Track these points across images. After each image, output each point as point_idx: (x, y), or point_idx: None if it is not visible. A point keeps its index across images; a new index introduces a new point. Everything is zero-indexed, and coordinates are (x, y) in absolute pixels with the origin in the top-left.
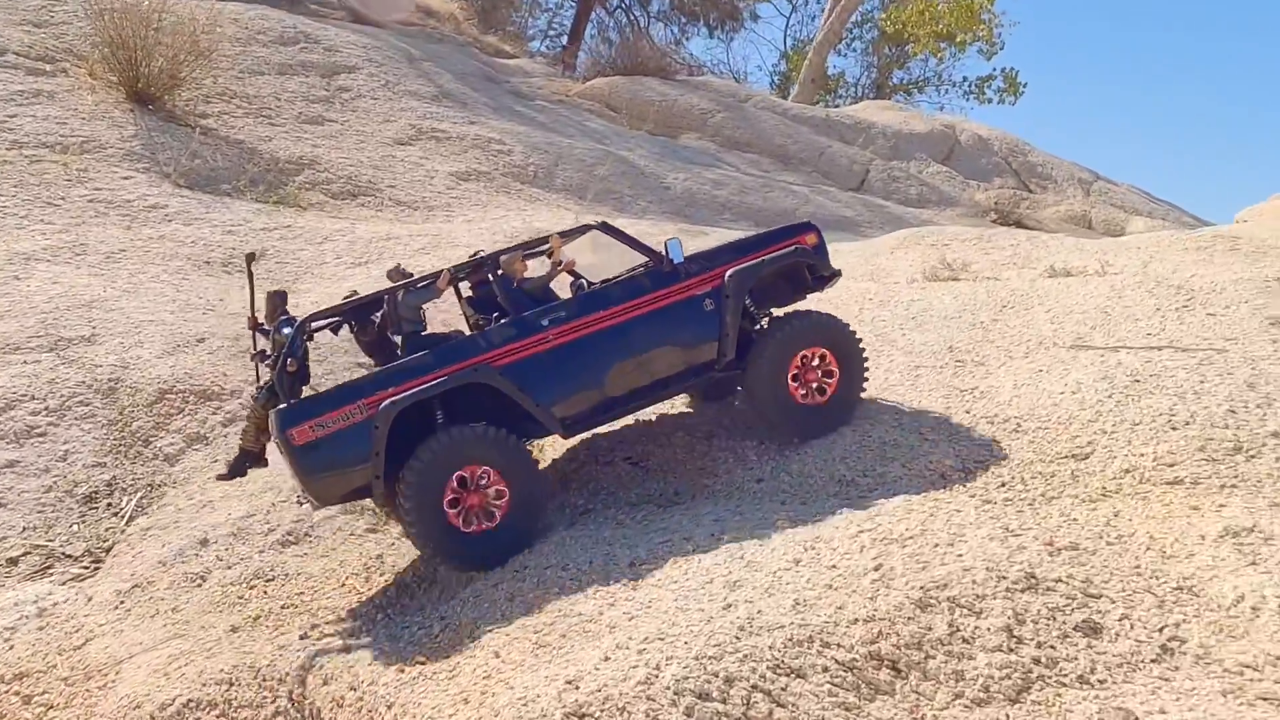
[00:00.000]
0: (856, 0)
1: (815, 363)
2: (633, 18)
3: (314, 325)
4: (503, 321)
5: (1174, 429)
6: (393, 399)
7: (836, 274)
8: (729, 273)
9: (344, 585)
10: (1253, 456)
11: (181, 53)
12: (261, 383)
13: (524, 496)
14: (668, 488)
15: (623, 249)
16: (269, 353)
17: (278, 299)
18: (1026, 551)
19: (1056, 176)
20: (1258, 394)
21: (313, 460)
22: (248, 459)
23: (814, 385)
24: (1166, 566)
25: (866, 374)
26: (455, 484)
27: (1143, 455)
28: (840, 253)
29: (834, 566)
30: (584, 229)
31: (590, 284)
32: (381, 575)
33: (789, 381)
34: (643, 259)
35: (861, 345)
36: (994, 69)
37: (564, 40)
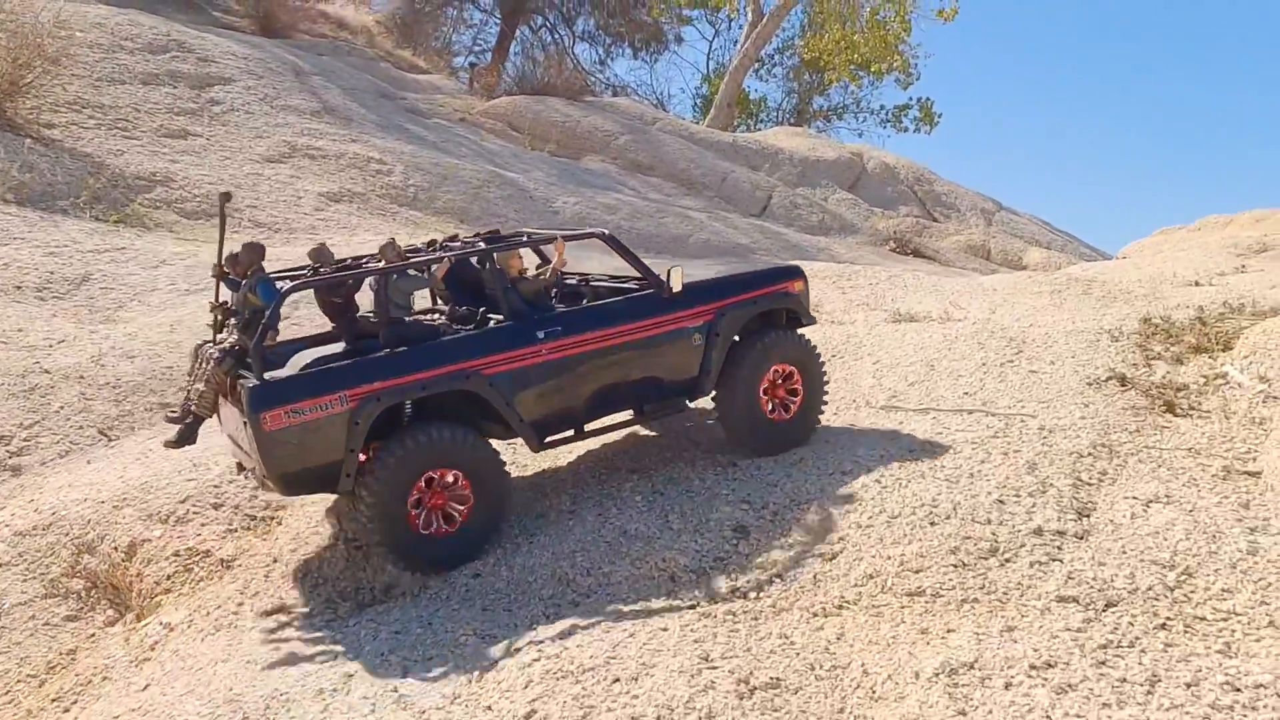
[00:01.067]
0: (772, 28)
1: (783, 380)
2: (557, 37)
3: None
4: (494, 326)
5: (932, 524)
6: (377, 395)
7: (812, 320)
8: (723, 311)
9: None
10: (1007, 561)
11: (24, 56)
12: (222, 342)
13: (489, 502)
14: (382, 579)
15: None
16: (237, 310)
17: (256, 252)
18: (713, 693)
19: (960, 206)
20: (1035, 478)
21: (283, 449)
22: (198, 425)
23: (780, 402)
24: (873, 713)
25: (825, 396)
26: (423, 484)
27: (889, 558)
28: None
29: (489, 709)
30: (588, 234)
31: (569, 287)
32: (61, 682)
33: (760, 396)
34: (632, 276)
35: (824, 366)
36: (910, 98)
37: (489, 57)
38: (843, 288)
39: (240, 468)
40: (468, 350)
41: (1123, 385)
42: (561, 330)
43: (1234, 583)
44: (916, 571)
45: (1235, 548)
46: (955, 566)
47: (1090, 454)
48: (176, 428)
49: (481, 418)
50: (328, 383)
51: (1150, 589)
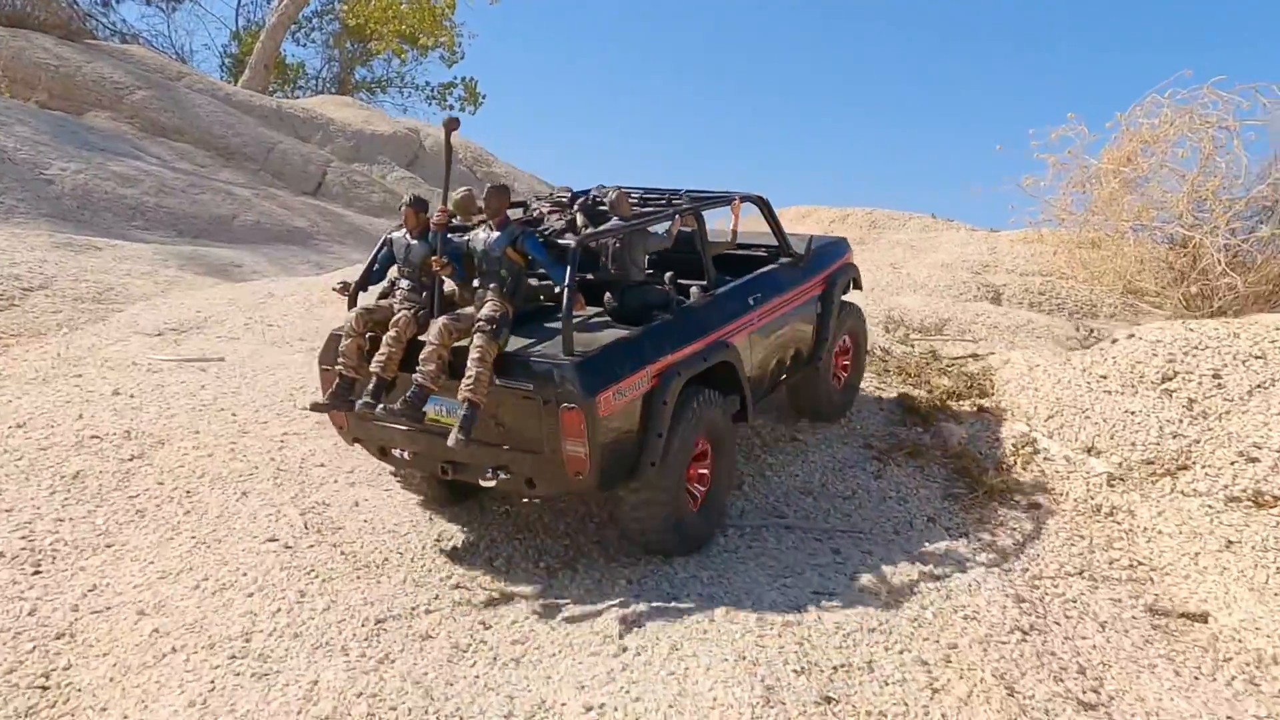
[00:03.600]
0: None
1: (842, 351)
2: None
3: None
4: (724, 291)
5: None
6: (677, 369)
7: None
8: (832, 280)
9: None
10: None
11: None
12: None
13: (727, 472)
14: None
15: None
16: (487, 265)
17: (504, 196)
18: None
19: (518, 188)
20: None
21: (608, 438)
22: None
23: (839, 370)
24: None
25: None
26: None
27: None
28: (260, 299)
29: None
30: (724, 199)
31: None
32: None
33: (835, 367)
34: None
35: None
36: (455, 77)
37: None
38: None
39: (450, 468)
40: (719, 317)
41: (912, 456)
42: (761, 297)
43: None
44: None
45: None
46: None
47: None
48: (335, 389)
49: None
50: (639, 357)
51: None
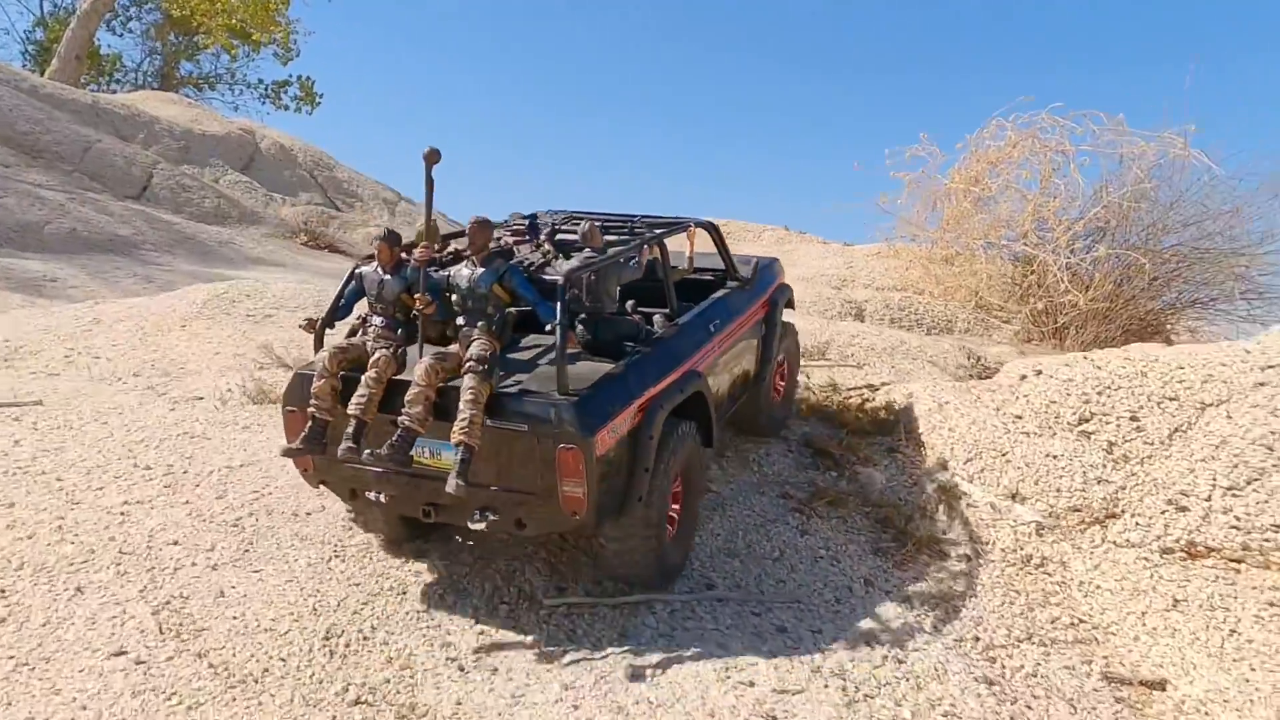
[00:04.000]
0: None
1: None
2: None
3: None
4: (688, 320)
5: None
6: (659, 403)
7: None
8: (774, 301)
9: None
10: None
11: None
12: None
13: (694, 502)
14: None
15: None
16: (473, 303)
17: (489, 231)
18: None
19: (363, 195)
20: None
21: (604, 474)
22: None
23: (777, 386)
24: None
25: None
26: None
27: None
28: (102, 322)
29: None
30: (679, 226)
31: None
32: None
33: (774, 384)
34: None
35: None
36: (290, 75)
37: None
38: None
39: (434, 510)
40: (688, 347)
41: (834, 506)
42: (719, 324)
43: None
44: None
45: None
46: None
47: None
48: (308, 433)
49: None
50: (626, 393)
51: None
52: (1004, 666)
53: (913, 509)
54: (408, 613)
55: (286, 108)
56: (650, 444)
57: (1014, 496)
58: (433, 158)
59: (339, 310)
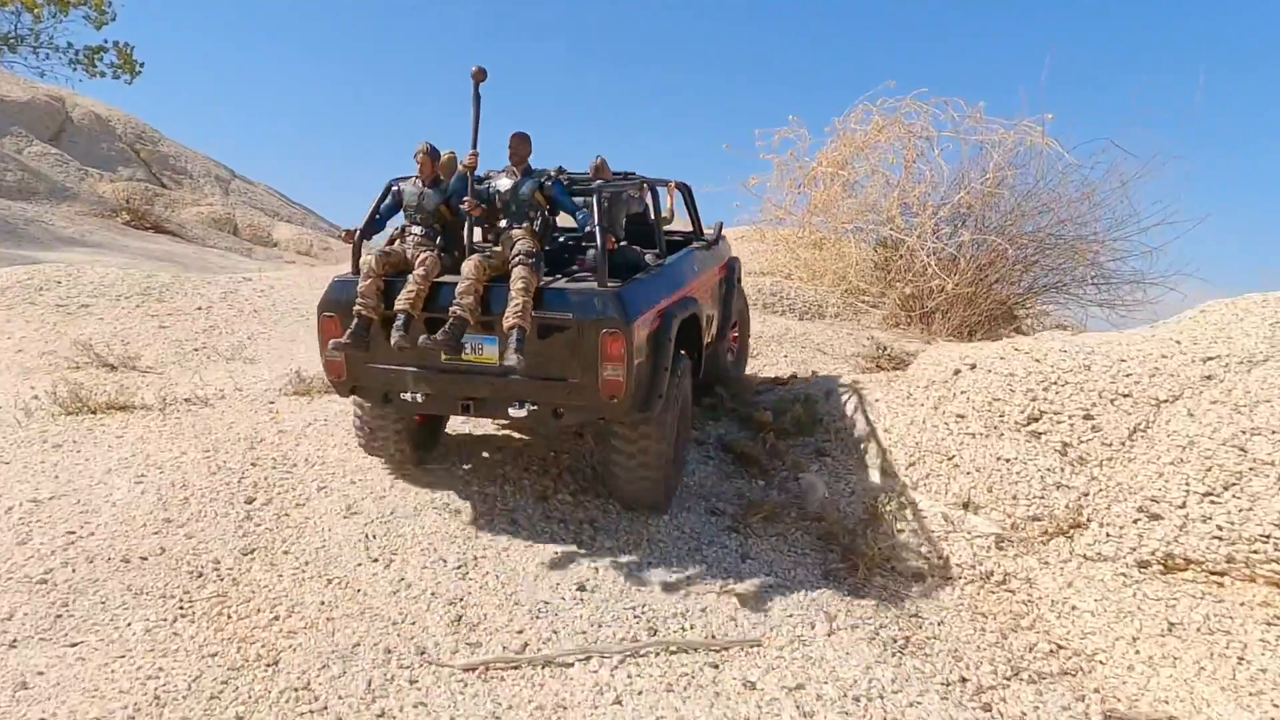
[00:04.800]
0: None
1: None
2: None
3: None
4: (680, 255)
5: None
6: (674, 312)
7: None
8: (731, 265)
9: None
10: None
11: None
12: (513, 241)
13: (685, 435)
14: None
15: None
16: (517, 207)
17: (528, 143)
18: None
19: (192, 171)
20: None
21: (639, 364)
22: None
23: (731, 346)
24: None
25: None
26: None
27: None
28: None
29: None
30: (664, 181)
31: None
32: None
33: (730, 343)
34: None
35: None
36: (106, 40)
37: None
38: (161, 317)
39: (473, 404)
40: (684, 277)
41: (769, 521)
42: (696, 270)
43: None
44: None
45: None
46: None
47: None
48: (354, 329)
49: None
50: (652, 296)
51: None
52: (1000, 714)
53: (856, 522)
54: (283, 692)
55: (102, 74)
56: (669, 345)
57: (966, 506)
58: (480, 75)
59: (375, 223)
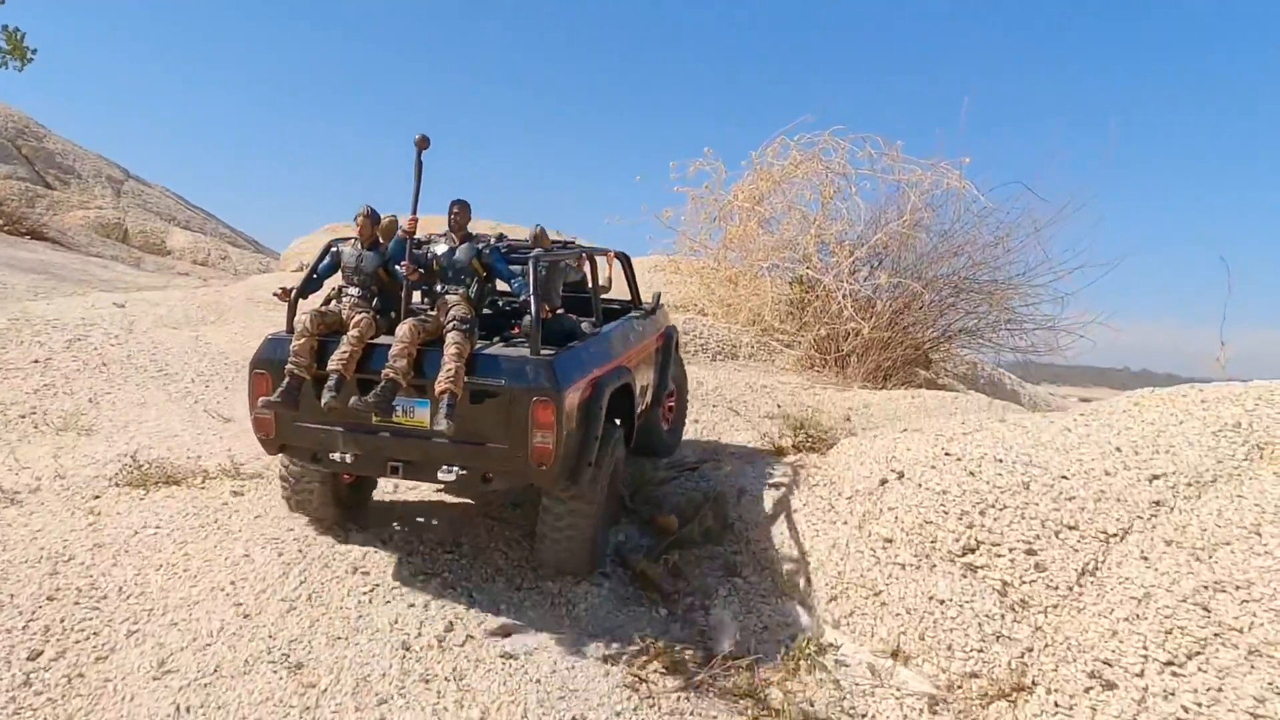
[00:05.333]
0: None
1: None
2: None
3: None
4: (617, 325)
5: None
6: (605, 382)
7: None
8: (669, 334)
9: None
10: None
11: None
12: (448, 307)
13: (614, 502)
14: None
15: None
16: (454, 273)
17: (468, 211)
18: None
19: (81, 170)
20: None
21: (568, 433)
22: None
23: (666, 414)
24: None
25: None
26: None
27: None
28: None
29: None
30: (603, 250)
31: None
32: None
33: (665, 411)
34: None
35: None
36: None
37: None
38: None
39: (402, 467)
40: (618, 348)
41: (672, 672)
42: (633, 339)
43: None
44: None
45: None
46: None
47: None
48: (285, 388)
49: None
50: (582, 365)
51: None
52: None
53: (769, 664)
54: None
55: None
56: (600, 414)
57: (895, 654)
58: (423, 143)
59: (312, 283)
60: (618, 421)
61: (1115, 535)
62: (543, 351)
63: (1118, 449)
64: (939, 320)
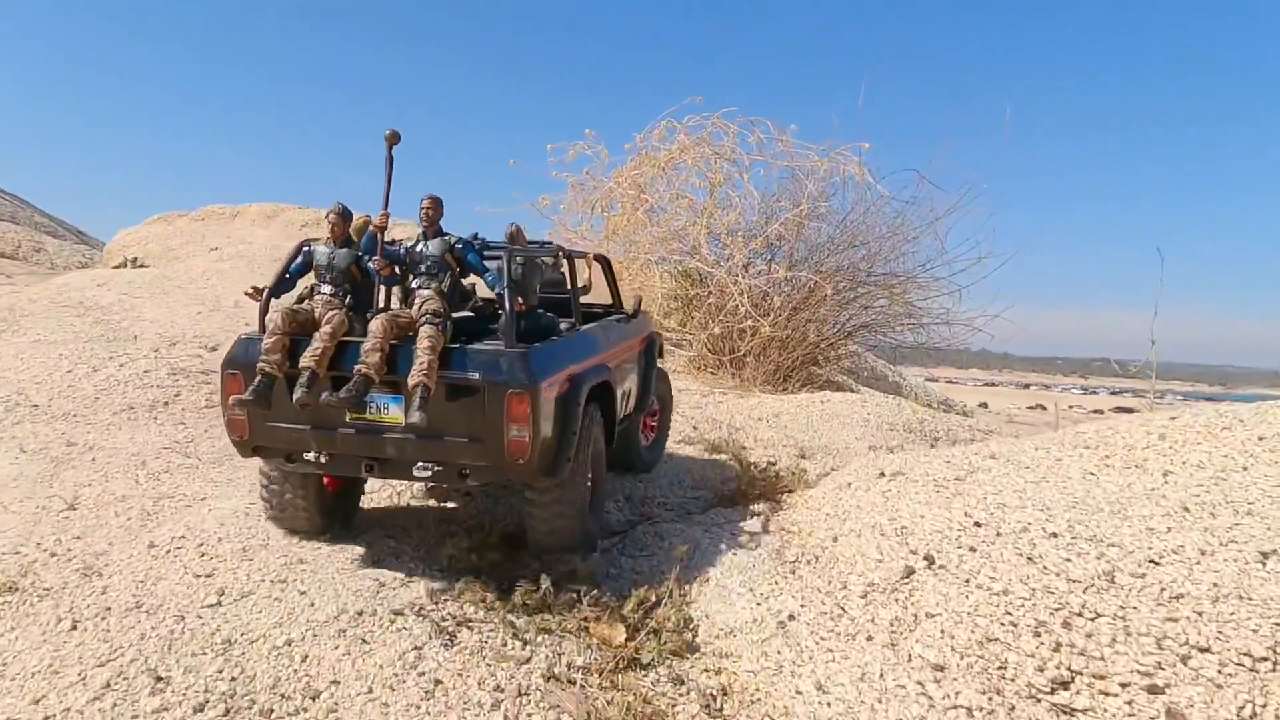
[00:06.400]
0: None
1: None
2: None
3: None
4: (600, 325)
5: None
6: (584, 378)
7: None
8: (651, 340)
9: None
10: None
11: None
12: (421, 301)
13: (602, 484)
14: None
15: None
16: (426, 268)
17: (440, 206)
18: None
19: None
20: None
21: (545, 426)
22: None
23: (647, 429)
24: None
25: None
26: None
27: None
28: None
29: None
30: (582, 253)
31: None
32: None
33: (645, 426)
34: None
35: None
36: None
37: None
38: None
39: (377, 465)
40: (598, 345)
41: None
42: (613, 340)
43: None
44: None
45: None
46: None
47: None
48: (257, 386)
49: None
50: (560, 360)
51: None
52: None
53: None
54: None
55: None
56: (577, 410)
57: None
58: (393, 139)
59: (284, 282)
60: (595, 405)
61: (1265, 660)
62: (518, 346)
63: (1185, 509)
64: (838, 316)
